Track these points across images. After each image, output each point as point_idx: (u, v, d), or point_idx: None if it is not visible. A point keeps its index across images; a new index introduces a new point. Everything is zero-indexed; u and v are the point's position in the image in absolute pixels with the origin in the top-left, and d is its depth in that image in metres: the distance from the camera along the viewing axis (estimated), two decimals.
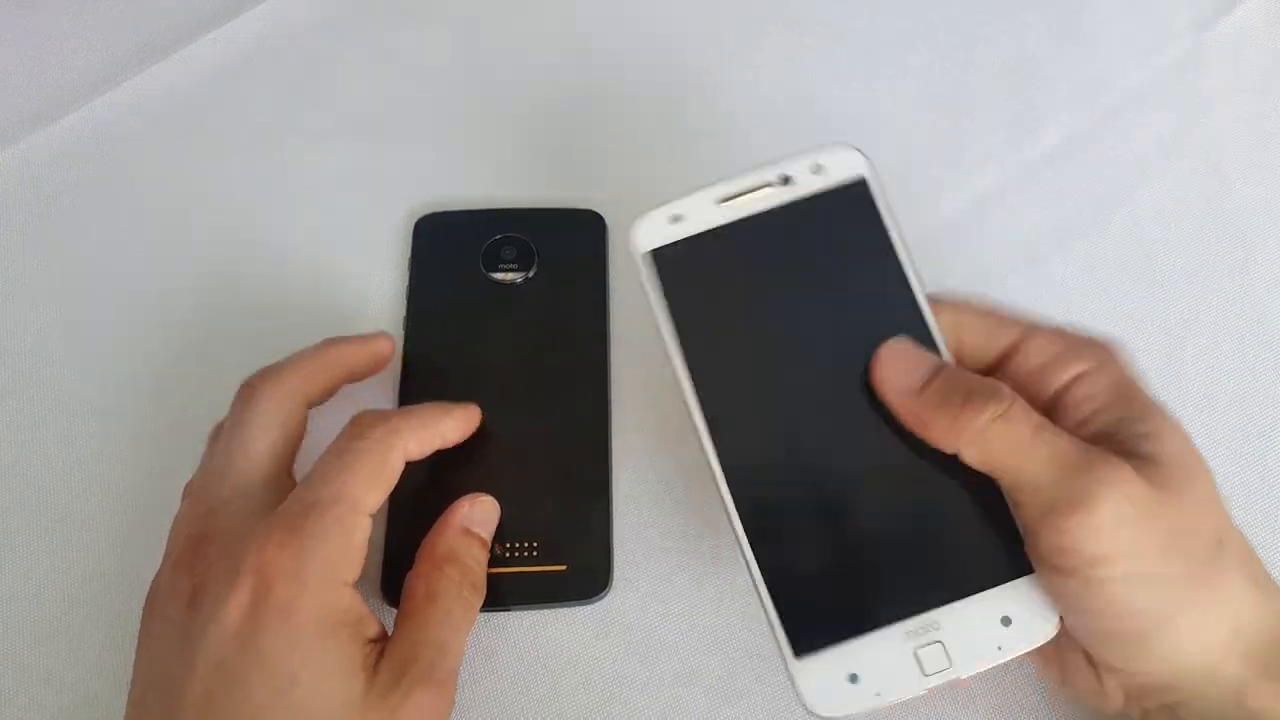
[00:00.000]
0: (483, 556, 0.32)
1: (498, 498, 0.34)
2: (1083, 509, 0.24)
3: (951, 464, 0.27)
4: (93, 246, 0.40)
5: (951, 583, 0.27)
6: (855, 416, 0.28)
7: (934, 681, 0.26)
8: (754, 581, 0.27)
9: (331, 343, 0.34)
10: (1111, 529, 0.24)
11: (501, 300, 0.38)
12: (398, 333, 0.37)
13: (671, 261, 0.28)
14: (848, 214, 0.29)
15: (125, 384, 0.38)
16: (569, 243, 0.39)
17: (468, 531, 0.32)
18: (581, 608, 0.34)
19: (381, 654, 0.28)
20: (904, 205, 0.41)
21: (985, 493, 0.27)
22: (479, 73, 0.45)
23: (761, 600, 0.27)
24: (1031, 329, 0.29)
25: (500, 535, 0.33)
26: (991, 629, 0.26)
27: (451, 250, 0.39)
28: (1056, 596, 0.26)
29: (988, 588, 0.26)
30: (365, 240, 0.40)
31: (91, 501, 0.35)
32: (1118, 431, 0.26)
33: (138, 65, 0.44)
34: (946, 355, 0.28)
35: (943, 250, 0.40)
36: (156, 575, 0.30)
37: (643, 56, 0.45)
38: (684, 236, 0.29)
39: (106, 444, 0.37)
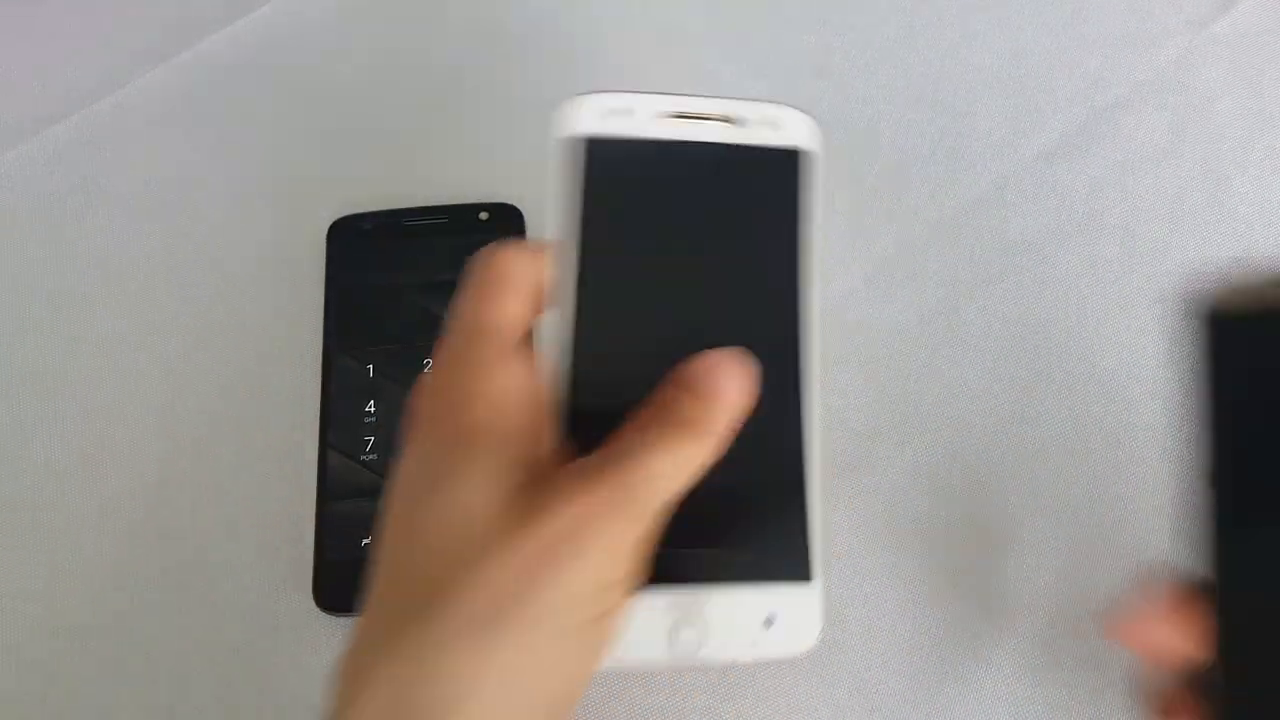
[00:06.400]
0: (717, 417, 0.24)
1: None
2: None
3: (771, 454, 0.26)
4: (95, 248, 0.41)
5: (726, 568, 0.26)
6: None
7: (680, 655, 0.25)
8: None
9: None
10: None
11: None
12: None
13: (604, 154, 0.26)
14: (780, 177, 0.28)
15: (127, 384, 0.38)
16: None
17: (693, 389, 0.24)
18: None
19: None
20: (903, 203, 0.41)
21: (796, 494, 0.26)
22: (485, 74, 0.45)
23: None
24: None
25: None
26: (753, 625, 0.25)
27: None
28: None
29: (760, 580, 0.26)
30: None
31: (92, 500, 0.36)
32: None
33: (141, 67, 0.44)
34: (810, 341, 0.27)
35: (941, 248, 0.40)
36: None
37: (642, 58, 0.46)
38: (618, 135, 0.27)
39: (106, 443, 0.37)
